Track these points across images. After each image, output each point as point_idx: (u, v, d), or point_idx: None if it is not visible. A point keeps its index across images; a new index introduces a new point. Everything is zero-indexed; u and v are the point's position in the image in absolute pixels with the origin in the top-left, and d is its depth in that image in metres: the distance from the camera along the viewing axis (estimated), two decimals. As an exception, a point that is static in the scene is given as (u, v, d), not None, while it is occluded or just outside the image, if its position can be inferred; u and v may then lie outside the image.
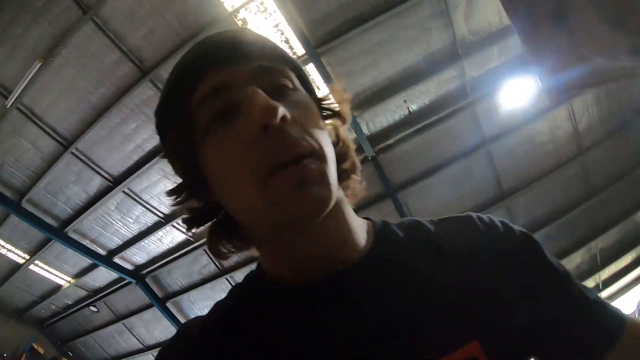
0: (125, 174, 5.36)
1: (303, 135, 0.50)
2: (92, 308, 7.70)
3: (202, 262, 6.44)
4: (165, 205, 5.69)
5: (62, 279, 7.27)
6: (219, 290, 6.69)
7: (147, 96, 4.68)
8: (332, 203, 0.50)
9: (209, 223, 0.61)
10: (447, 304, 0.52)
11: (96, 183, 5.53)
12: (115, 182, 5.47)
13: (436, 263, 0.57)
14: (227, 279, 6.47)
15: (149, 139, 5.02)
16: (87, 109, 4.84)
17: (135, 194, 5.60)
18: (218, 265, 6.43)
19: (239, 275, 6.39)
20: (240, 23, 4.30)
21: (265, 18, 4.29)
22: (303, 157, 0.48)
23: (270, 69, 0.54)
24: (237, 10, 4.22)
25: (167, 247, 6.31)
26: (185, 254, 6.32)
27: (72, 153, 5.17)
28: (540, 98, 5.04)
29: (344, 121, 0.66)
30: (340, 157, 0.60)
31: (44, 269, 7.06)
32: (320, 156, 0.50)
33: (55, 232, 6.05)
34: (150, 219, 5.91)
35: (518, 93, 4.95)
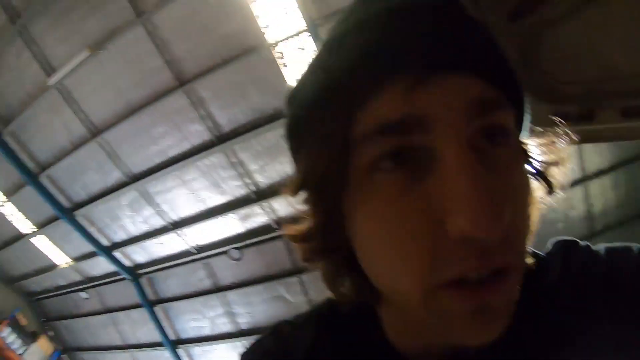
0: (143, 174, 5.38)
1: (508, 236, 0.33)
2: (82, 294, 7.65)
3: (199, 276, 6.32)
4: (175, 212, 5.64)
5: (61, 258, 7.27)
6: (209, 307, 6.53)
7: (180, 105, 4.72)
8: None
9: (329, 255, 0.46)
10: None
11: (115, 176, 5.56)
12: (133, 179, 5.48)
13: None
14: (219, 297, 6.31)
15: (173, 146, 5.03)
16: (122, 104, 4.92)
17: (149, 196, 5.57)
18: (214, 283, 6.29)
19: (233, 296, 6.23)
20: (279, 56, 4.36)
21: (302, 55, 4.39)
22: (497, 274, 0.33)
23: (492, 103, 0.34)
24: (276, 44, 4.29)
25: (168, 252, 6.23)
26: (185, 263, 6.23)
27: (99, 142, 5.23)
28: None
29: (550, 193, 0.44)
30: None
31: (46, 245, 7.10)
32: (517, 272, 0.35)
33: (66, 212, 6.10)
34: (157, 222, 5.87)
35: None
